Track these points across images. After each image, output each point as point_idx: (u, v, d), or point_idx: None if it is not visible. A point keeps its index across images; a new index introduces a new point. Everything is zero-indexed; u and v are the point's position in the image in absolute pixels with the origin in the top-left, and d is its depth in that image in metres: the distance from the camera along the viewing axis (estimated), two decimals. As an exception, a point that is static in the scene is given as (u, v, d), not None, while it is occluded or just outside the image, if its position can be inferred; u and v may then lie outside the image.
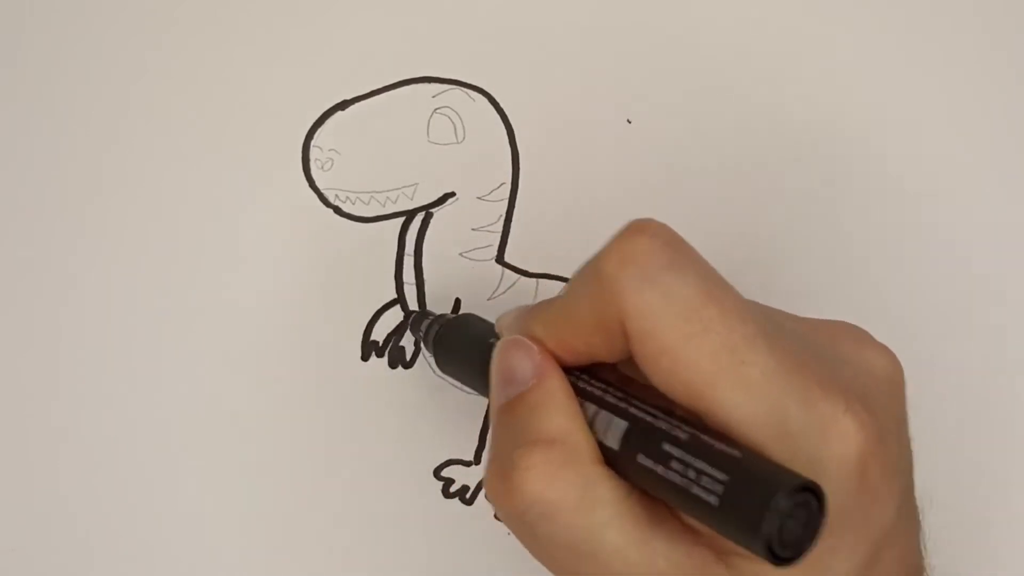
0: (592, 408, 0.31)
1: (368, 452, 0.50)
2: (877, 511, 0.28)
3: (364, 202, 0.49)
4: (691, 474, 0.26)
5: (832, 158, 0.51)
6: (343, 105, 0.50)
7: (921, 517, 0.34)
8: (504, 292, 0.50)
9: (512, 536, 0.33)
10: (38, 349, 0.50)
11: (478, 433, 0.51)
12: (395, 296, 0.50)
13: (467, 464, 0.51)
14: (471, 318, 0.43)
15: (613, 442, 0.30)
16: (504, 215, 0.50)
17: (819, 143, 0.51)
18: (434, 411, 0.50)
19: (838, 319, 0.34)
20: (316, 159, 0.49)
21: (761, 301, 0.51)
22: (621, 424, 0.30)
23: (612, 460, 0.30)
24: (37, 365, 0.50)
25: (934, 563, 0.36)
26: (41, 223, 0.50)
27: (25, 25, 0.51)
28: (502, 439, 0.33)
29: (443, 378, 0.50)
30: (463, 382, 0.44)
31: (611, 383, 0.32)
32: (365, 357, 0.50)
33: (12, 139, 0.50)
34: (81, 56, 0.51)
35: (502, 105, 0.50)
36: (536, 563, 0.32)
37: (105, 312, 0.50)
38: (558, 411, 0.31)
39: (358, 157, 0.49)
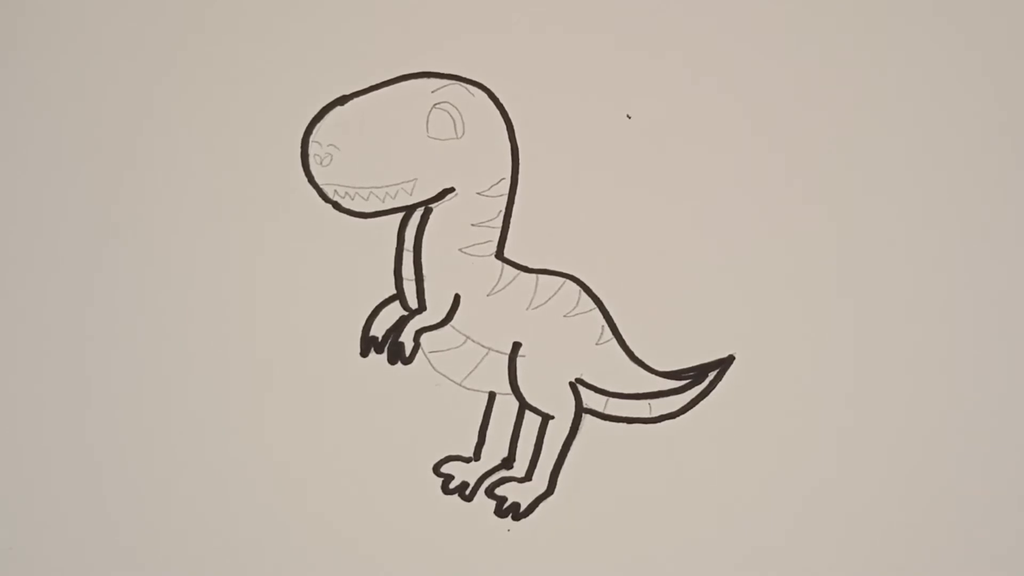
0: None
1: (367, 448, 0.50)
2: None
3: (363, 197, 0.49)
4: None
5: (832, 156, 0.50)
6: (342, 100, 0.49)
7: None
8: (504, 288, 0.50)
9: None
10: (34, 348, 0.50)
11: (477, 429, 0.51)
12: (394, 292, 0.50)
13: (466, 460, 0.51)
14: None
15: None
16: (503, 210, 0.50)
17: (819, 140, 0.51)
18: (433, 407, 0.50)
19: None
20: (315, 154, 0.49)
21: (759, 298, 0.51)
22: None
23: None
24: (34, 364, 0.50)
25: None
26: (36, 219, 0.50)
27: (23, 25, 0.51)
28: None
29: (442, 374, 0.50)
30: None
31: None
32: (364, 353, 0.50)
33: (11, 140, 0.50)
34: (80, 55, 0.51)
35: (501, 100, 0.50)
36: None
37: (102, 310, 0.50)
38: None
39: (357, 152, 0.49)
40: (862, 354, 0.50)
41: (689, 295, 0.50)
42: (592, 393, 0.50)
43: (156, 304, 0.50)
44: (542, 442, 0.51)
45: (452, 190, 0.49)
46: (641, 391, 0.50)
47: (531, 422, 0.51)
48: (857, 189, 0.50)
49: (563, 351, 0.50)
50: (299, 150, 0.49)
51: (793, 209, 0.50)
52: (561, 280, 0.50)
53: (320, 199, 0.49)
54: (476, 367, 0.50)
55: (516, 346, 0.50)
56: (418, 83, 0.50)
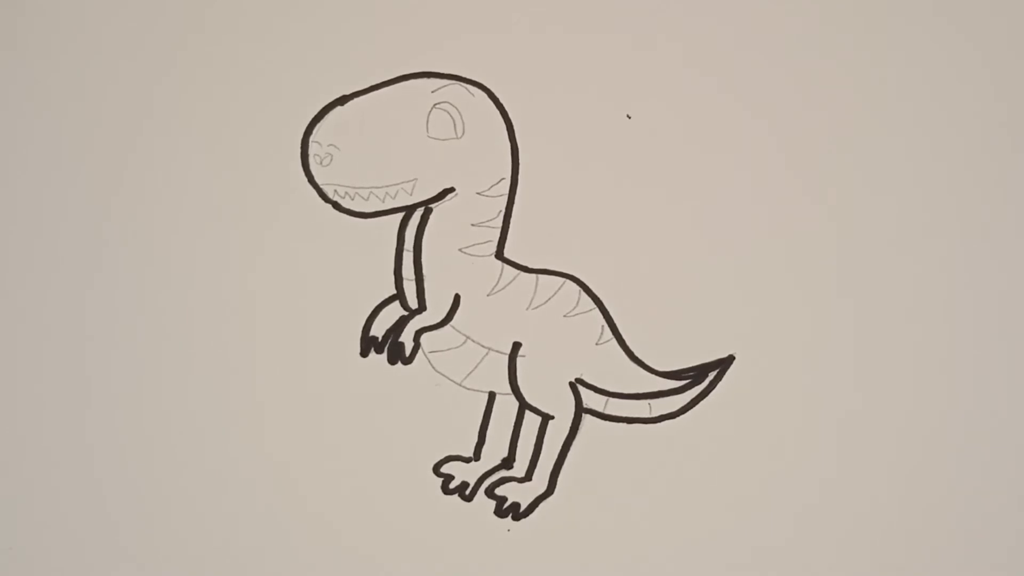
0: None
1: (367, 448, 0.50)
2: None
3: (363, 197, 0.49)
4: None
5: (832, 156, 0.50)
6: (342, 100, 0.49)
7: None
8: (504, 288, 0.50)
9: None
10: (34, 348, 0.50)
11: (477, 429, 0.51)
12: (394, 292, 0.50)
13: (466, 460, 0.51)
14: None
15: None
16: (503, 210, 0.50)
17: (819, 140, 0.51)
18: (433, 407, 0.50)
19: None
20: (315, 154, 0.49)
21: (759, 298, 0.51)
22: None
23: None
24: (34, 364, 0.50)
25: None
26: (36, 219, 0.50)
27: (23, 25, 0.51)
28: None
29: (442, 374, 0.50)
30: None
31: None
32: (364, 353, 0.50)
33: (11, 140, 0.50)
34: (80, 55, 0.51)
35: (502, 100, 0.50)
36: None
37: (102, 310, 0.50)
38: None
39: (357, 152, 0.49)
40: (862, 354, 0.50)
41: (689, 295, 0.50)
42: (592, 393, 0.50)
43: (156, 304, 0.50)
44: (542, 442, 0.51)
45: (452, 190, 0.49)
46: (641, 391, 0.50)
47: (531, 422, 0.51)
48: (857, 189, 0.50)
49: (563, 351, 0.50)
50: (299, 150, 0.49)
51: (793, 209, 0.50)
52: (561, 280, 0.50)
53: (320, 199, 0.49)
54: (476, 367, 0.50)
55: (516, 346, 0.50)
56: (418, 83, 0.50)
